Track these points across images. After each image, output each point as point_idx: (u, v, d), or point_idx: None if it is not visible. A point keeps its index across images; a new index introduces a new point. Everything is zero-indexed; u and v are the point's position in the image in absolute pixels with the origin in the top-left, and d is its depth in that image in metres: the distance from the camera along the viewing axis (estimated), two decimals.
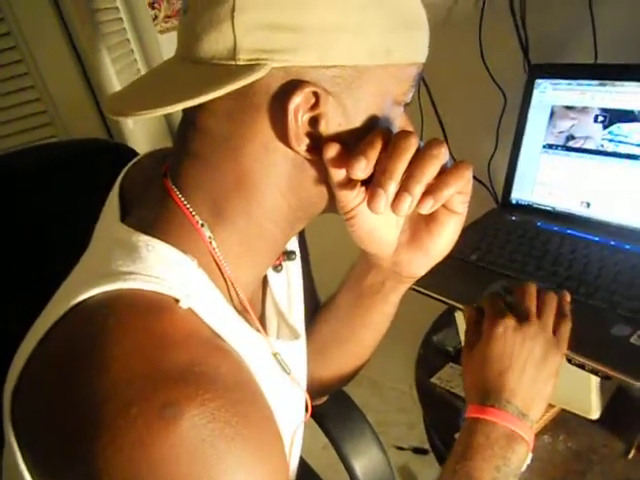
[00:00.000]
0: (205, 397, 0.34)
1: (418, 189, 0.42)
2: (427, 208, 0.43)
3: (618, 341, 0.63)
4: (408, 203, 0.42)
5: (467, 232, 0.92)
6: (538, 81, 0.88)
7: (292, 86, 0.40)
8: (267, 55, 0.39)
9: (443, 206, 0.47)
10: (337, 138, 0.42)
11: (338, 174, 0.43)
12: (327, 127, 0.42)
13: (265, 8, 0.38)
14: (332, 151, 0.42)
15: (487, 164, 1.12)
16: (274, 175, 0.43)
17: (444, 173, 0.43)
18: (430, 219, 0.50)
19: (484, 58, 1.05)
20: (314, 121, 0.42)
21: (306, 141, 0.42)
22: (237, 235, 0.45)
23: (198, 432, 0.34)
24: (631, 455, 0.65)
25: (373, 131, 0.43)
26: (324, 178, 0.44)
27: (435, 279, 0.73)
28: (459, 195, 0.46)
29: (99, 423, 0.34)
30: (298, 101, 0.40)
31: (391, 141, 0.43)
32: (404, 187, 0.42)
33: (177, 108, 0.39)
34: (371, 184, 0.42)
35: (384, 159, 0.42)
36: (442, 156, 0.43)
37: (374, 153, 0.42)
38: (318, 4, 0.39)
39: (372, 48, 0.41)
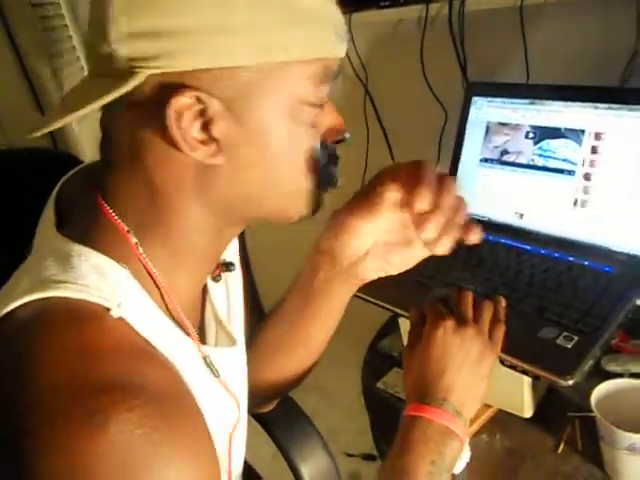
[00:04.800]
0: (133, 404, 0.35)
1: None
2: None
3: (546, 343, 0.67)
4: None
5: None
6: (475, 98, 0.93)
7: (169, 91, 0.39)
8: (142, 63, 0.38)
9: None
10: (237, 142, 0.42)
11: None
12: (220, 132, 0.41)
13: (134, 16, 0.38)
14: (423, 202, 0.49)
15: None
16: (181, 183, 0.43)
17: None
18: (409, 244, 0.55)
19: (426, 75, 1.10)
20: (206, 126, 0.41)
21: (203, 147, 0.41)
22: (164, 245, 0.45)
23: (125, 438, 0.34)
24: (560, 450, 0.69)
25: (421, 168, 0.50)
26: (237, 182, 0.44)
27: (379, 287, 0.75)
28: None
29: (25, 432, 0.34)
30: (177, 106, 0.39)
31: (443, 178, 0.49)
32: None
33: (60, 124, 0.40)
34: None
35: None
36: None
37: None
38: (185, 7, 0.38)
39: (264, 46, 0.40)
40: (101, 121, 0.45)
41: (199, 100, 0.40)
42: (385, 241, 0.56)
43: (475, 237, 0.51)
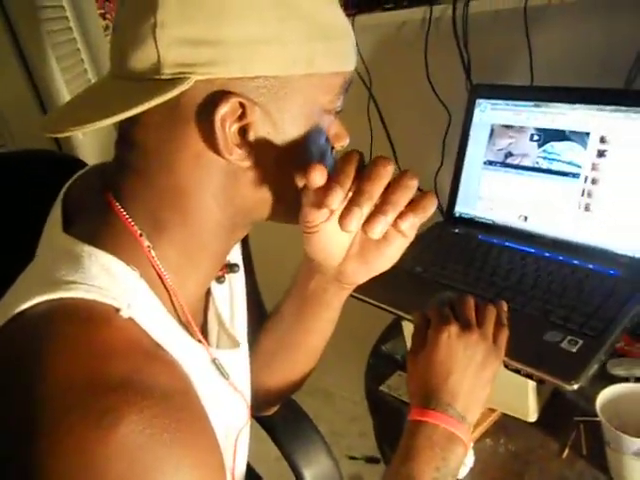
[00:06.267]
0: (143, 404, 0.35)
1: (393, 214, 0.44)
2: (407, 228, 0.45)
3: (550, 347, 0.66)
4: (382, 225, 0.43)
5: (413, 244, 0.96)
6: (479, 100, 0.92)
7: (217, 97, 0.41)
8: (190, 69, 0.40)
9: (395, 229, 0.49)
10: (267, 147, 0.44)
11: (312, 195, 0.45)
12: (256, 136, 0.44)
13: (185, 24, 0.40)
14: (318, 176, 0.43)
15: (433, 178, 1.16)
16: (208, 185, 0.45)
17: (413, 203, 0.45)
18: (380, 238, 0.51)
19: (429, 77, 1.09)
20: (243, 131, 0.43)
21: (237, 150, 0.43)
22: (176, 246, 0.46)
23: (136, 438, 0.34)
24: (565, 454, 0.69)
25: (344, 159, 0.45)
26: (260, 185, 0.46)
27: (383, 290, 0.76)
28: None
29: (36, 431, 0.34)
30: (224, 111, 0.41)
31: (370, 164, 0.45)
32: (382, 210, 0.43)
33: (103, 124, 0.40)
34: (347, 203, 0.43)
35: (364, 180, 0.44)
36: (415, 188, 0.45)
37: (349, 182, 0.44)
38: (235, 18, 0.40)
39: (293, 58, 0.42)
40: (120, 123, 0.45)
41: (241, 106, 0.42)
42: (360, 240, 0.53)
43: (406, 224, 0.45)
